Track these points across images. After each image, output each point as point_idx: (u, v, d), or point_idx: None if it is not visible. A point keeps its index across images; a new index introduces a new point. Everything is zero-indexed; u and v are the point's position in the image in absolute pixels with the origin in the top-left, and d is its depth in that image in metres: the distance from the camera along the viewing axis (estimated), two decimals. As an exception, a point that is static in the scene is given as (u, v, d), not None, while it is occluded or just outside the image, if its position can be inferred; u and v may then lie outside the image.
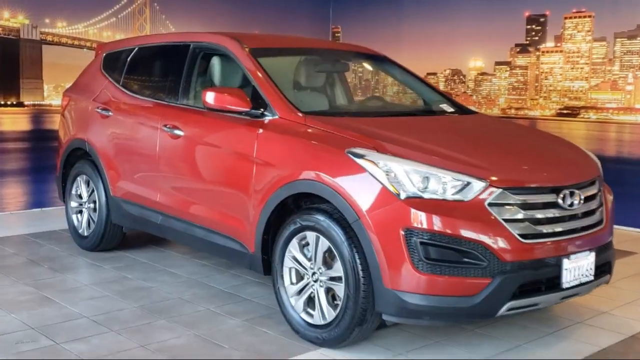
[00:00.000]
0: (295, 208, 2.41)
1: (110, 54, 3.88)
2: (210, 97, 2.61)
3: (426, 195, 1.98)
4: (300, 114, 2.48)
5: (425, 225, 1.92)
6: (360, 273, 2.03)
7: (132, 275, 3.29)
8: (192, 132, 2.96)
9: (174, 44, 3.36)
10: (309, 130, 2.38)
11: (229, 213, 2.67)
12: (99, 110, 3.65)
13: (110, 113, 3.57)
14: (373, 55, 3.47)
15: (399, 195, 1.98)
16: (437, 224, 1.92)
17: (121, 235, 3.68)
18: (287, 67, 3.19)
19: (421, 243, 1.92)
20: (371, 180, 2.02)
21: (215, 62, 2.98)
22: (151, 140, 3.19)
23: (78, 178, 3.80)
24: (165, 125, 3.09)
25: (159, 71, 3.59)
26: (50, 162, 4.56)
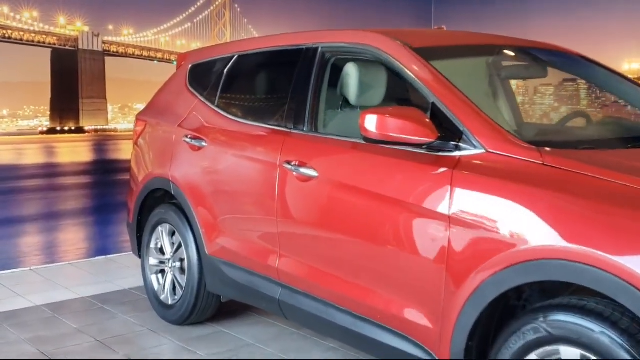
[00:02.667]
0: (520, 301, 2.34)
1: (199, 66, 4.08)
2: (374, 122, 2.52)
3: None
4: (529, 147, 2.33)
5: None
6: None
7: (238, 365, 3.37)
8: (333, 173, 2.95)
9: (292, 49, 3.41)
10: (561, 176, 2.21)
11: (400, 297, 2.62)
12: (187, 140, 3.76)
13: (204, 144, 3.66)
14: (564, 54, 3.47)
15: None
16: None
17: (217, 304, 3.79)
18: (470, 75, 3.22)
19: None
20: None
21: (352, 70, 3.00)
22: (267, 182, 3.22)
23: (159, 228, 3.93)
24: (288, 162, 3.09)
25: (272, 86, 3.75)
26: (115, 199, 4.47)
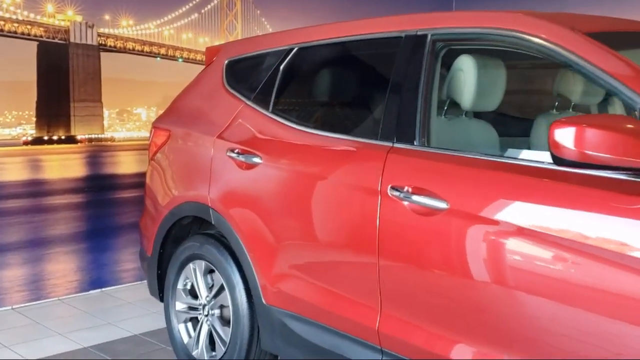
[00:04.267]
0: None
1: (239, 62, 3.98)
2: (573, 136, 2.28)
3: None
4: None
5: None
6: None
7: None
8: (480, 206, 2.63)
9: (384, 38, 3.25)
10: None
11: None
12: (233, 155, 3.61)
13: (257, 160, 3.49)
14: None
15: None
16: None
17: None
18: None
19: None
20: None
21: (469, 65, 2.93)
22: (361, 212, 3.00)
23: (190, 265, 3.81)
24: (396, 188, 2.84)
25: (356, 86, 3.64)
26: (112, 221, 4.46)
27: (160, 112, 4.60)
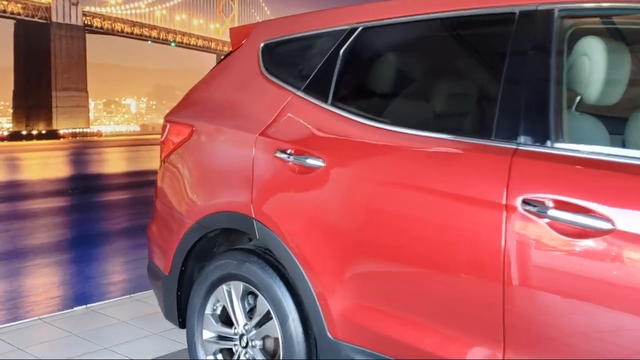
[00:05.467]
0: None
1: (280, 45, 3.88)
2: None
3: None
4: None
5: None
6: None
7: None
8: None
9: (487, 14, 3.10)
10: None
11: None
12: (283, 157, 3.47)
13: (318, 163, 3.34)
14: None
15: None
16: None
17: None
18: None
19: None
20: None
21: (597, 50, 2.78)
22: (478, 232, 2.83)
23: (224, 287, 3.70)
24: (530, 202, 2.69)
25: (449, 74, 3.56)
26: (98, 227, 4.48)
27: (152, 103, 4.57)
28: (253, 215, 3.54)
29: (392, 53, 3.64)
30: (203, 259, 3.89)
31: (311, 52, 3.66)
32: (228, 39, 4.75)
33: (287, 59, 3.81)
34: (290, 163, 3.41)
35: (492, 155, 2.80)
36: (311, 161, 3.33)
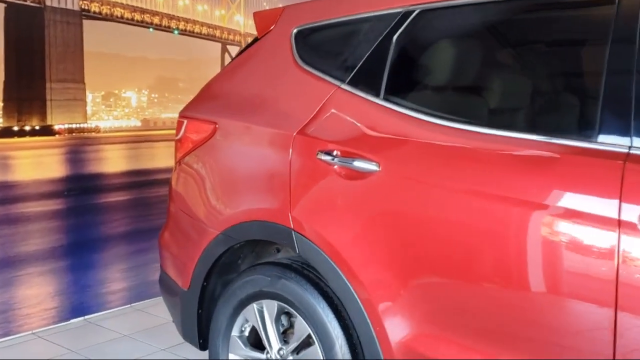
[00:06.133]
0: None
1: (316, 30, 3.76)
2: None
3: None
4: None
5: None
6: None
7: None
8: None
9: None
10: None
11: None
12: (328, 159, 3.33)
13: (372, 167, 3.18)
14: None
15: None
16: None
17: None
18: None
19: None
20: None
21: None
22: (582, 250, 2.67)
23: (255, 306, 3.62)
24: None
25: (541, 65, 3.41)
26: (96, 233, 4.45)
27: (154, 96, 4.47)
28: (292, 226, 3.42)
29: (459, 39, 3.45)
30: (226, 272, 3.81)
31: (356, 40, 3.51)
32: (234, 27, 4.65)
33: (326, 47, 3.70)
34: (337, 166, 3.27)
35: (598, 160, 2.64)
36: (363, 165, 3.17)
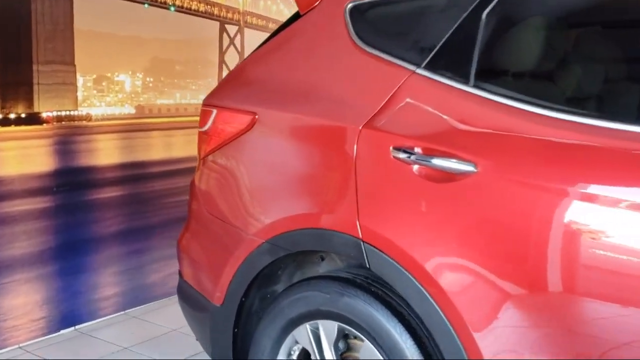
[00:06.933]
0: None
1: (380, 5, 3.55)
2: None
3: None
4: None
5: None
6: None
7: None
8: None
9: None
10: None
11: None
12: (405, 157, 3.10)
13: (467, 167, 2.95)
14: None
15: None
16: None
17: None
18: None
19: None
20: None
21: None
22: None
23: (308, 327, 3.45)
24: None
25: None
26: (87, 232, 4.42)
27: (149, 79, 4.36)
28: (360, 236, 3.22)
29: (570, 13, 3.37)
30: (265, 285, 3.69)
31: (432, 16, 3.31)
32: (233, 4, 4.52)
33: (391, 25, 3.46)
34: (418, 166, 3.05)
35: None
36: (454, 165, 2.95)
